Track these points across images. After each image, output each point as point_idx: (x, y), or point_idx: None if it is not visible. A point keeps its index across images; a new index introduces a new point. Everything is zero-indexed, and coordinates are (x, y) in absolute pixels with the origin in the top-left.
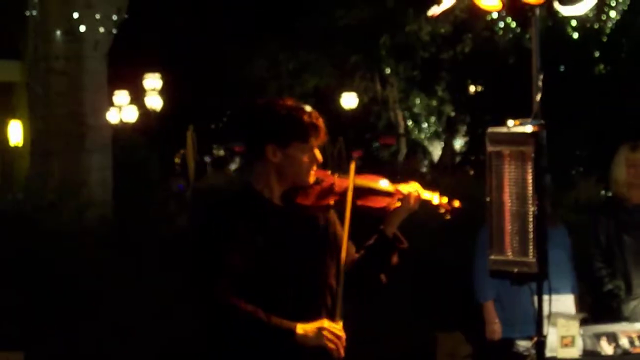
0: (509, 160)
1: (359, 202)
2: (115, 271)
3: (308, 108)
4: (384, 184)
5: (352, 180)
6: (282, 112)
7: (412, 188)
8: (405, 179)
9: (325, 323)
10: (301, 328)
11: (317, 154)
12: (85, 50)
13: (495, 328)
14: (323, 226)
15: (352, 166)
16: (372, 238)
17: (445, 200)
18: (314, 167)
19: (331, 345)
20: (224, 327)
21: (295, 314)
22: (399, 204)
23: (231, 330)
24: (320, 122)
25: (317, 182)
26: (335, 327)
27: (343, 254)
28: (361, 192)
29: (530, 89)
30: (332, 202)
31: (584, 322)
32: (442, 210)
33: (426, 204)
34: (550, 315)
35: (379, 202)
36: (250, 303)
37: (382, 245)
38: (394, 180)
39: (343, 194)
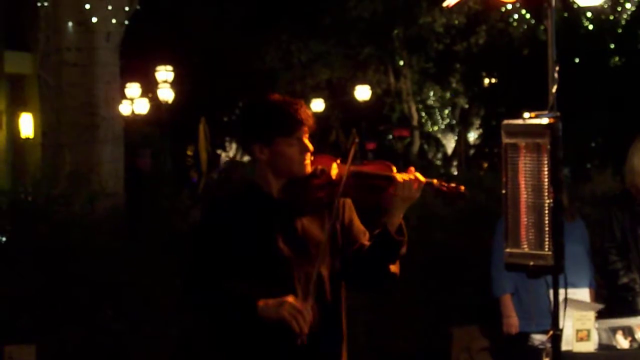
0: (524, 152)
1: (358, 193)
2: (127, 263)
3: (288, 100)
4: (383, 170)
5: (349, 165)
6: (260, 111)
7: (408, 175)
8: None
9: (290, 298)
10: (263, 302)
11: (306, 143)
12: (97, 42)
13: (512, 322)
14: (325, 217)
15: (352, 150)
16: (377, 230)
17: (452, 185)
18: (307, 156)
19: (290, 319)
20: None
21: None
22: (399, 191)
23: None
24: (302, 111)
25: (315, 172)
26: (299, 303)
27: (323, 242)
28: (360, 179)
29: (546, 80)
30: (323, 194)
31: (599, 315)
32: (445, 196)
33: (431, 190)
34: (566, 305)
35: (379, 192)
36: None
37: (384, 239)
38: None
39: (340, 183)
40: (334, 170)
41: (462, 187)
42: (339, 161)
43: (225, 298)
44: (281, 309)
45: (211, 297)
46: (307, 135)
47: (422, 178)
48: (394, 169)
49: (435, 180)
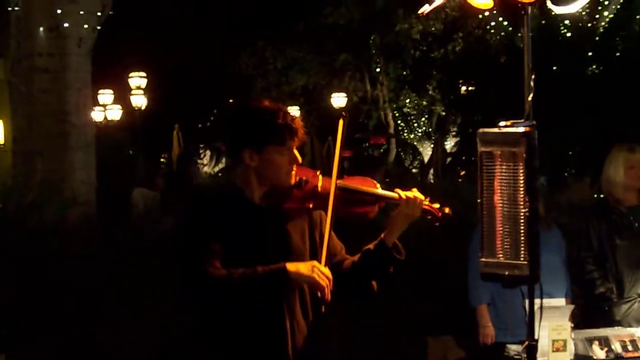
0: (500, 161)
1: (343, 207)
2: (99, 271)
3: (283, 109)
4: (372, 187)
5: (334, 177)
6: (255, 116)
7: (412, 194)
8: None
9: (316, 263)
10: (292, 265)
11: (296, 154)
12: (69, 47)
13: (488, 332)
14: (305, 227)
15: (341, 122)
16: (372, 244)
17: (436, 205)
18: (294, 168)
19: (322, 283)
20: (217, 303)
21: (268, 310)
22: (403, 209)
23: (225, 304)
24: (297, 122)
25: (300, 183)
26: (325, 269)
27: (324, 246)
28: (347, 193)
29: (522, 88)
30: (311, 205)
31: (575, 325)
32: (432, 216)
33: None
34: (541, 315)
35: (364, 207)
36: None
37: (380, 254)
38: (385, 184)
39: (326, 197)
40: (319, 182)
41: (447, 209)
42: (319, 173)
43: (251, 275)
44: (313, 272)
45: (231, 278)
46: (296, 147)
47: (421, 197)
48: (378, 186)
49: (432, 205)
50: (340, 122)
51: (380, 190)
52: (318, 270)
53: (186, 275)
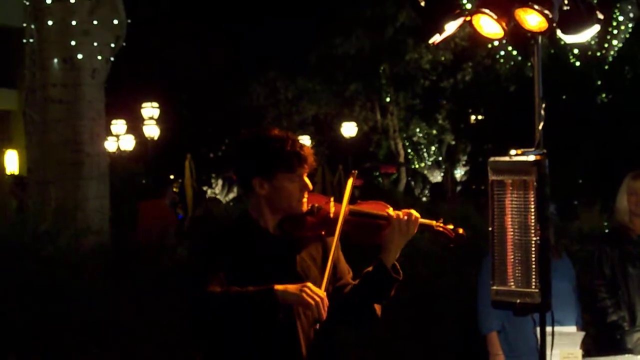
0: (511, 189)
1: (355, 232)
2: (113, 301)
3: (291, 137)
4: (380, 209)
5: (347, 195)
6: (263, 145)
7: (401, 211)
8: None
9: (308, 283)
10: (281, 285)
11: (307, 181)
12: (83, 78)
13: None
14: (318, 254)
15: (350, 181)
16: (371, 266)
17: (450, 227)
18: (305, 195)
19: (310, 301)
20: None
21: (278, 340)
22: (395, 227)
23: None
24: (305, 149)
25: (312, 210)
26: (316, 289)
27: (327, 269)
28: (358, 217)
29: (532, 117)
30: (324, 232)
31: (587, 354)
32: (445, 238)
33: (430, 232)
34: (553, 343)
35: (376, 231)
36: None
37: (379, 275)
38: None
39: (337, 222)
40: (332, 209)
41: (461, 230)
42: (332, 199)
43: (242, 293)
44: (302, 293)
45: (226, 296)
46: (306, 174)
47: (416, 214)
48: (390, 208)
49: (434, 222)
50: (350, 184)
51: (391, 211)
52: (308, 289)
53: (187, 293)
